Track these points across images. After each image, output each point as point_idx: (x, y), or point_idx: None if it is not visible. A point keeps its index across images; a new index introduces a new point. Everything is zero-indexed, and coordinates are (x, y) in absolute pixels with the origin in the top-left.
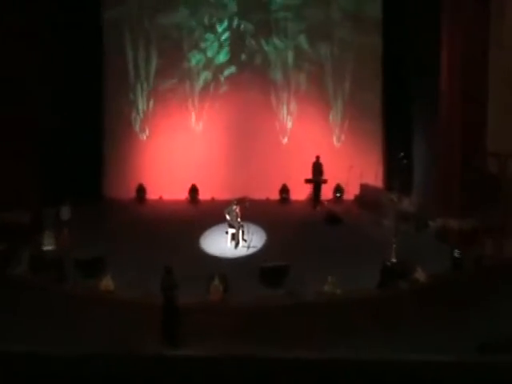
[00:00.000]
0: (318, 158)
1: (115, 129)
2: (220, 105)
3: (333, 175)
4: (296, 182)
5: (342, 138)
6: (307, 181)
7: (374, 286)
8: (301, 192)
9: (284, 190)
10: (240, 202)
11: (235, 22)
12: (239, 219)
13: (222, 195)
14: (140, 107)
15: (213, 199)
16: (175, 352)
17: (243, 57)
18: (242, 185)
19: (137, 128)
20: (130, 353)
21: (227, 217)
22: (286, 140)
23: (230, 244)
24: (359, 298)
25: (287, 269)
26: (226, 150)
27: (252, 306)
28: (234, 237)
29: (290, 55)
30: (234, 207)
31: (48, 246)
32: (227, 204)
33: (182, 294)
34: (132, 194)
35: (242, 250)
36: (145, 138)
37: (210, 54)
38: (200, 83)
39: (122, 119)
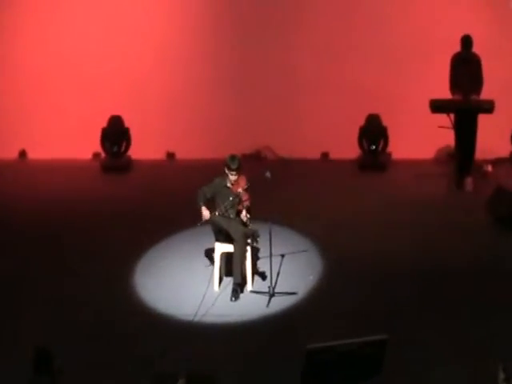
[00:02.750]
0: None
1: None
2: None
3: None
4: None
5: None
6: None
7: None
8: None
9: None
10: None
11: None
12: (246, 215)
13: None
14: None
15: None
16: None
17: None
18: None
19: None
20: None
21: (205, 214)
22: None
23: (216, 286)
24: None
25: (382, 352)
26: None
27: None
28: (231, 267)
29: None
30: (233, 178)
31: None
32: (209, 175)
33: None
34: None
35: (255, 304)
36: None
37: None
38: None
39: None
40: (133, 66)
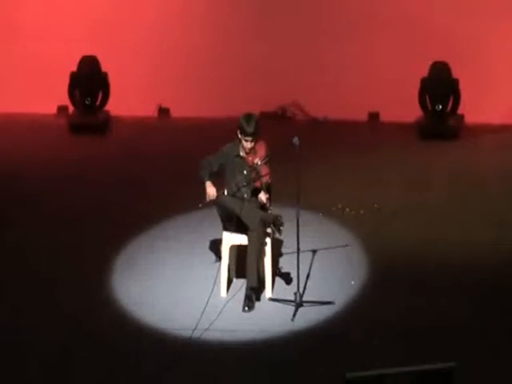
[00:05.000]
0: None
1: None
2: None
3: None
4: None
5: None
6: None
7: None
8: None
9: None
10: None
11: None
12: (265, 195)
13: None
14: None
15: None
16: None
17: None
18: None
19: None
20: None
21: (210, 192)
22: None
23: (223, 292)
24: None
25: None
26: None
27: None
28: (244, 265)
29: None
30: (248, 146)
31: None
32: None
33: None
34: None
35: (276, 316)
36: None
37: None
38: None
39: None
40: None
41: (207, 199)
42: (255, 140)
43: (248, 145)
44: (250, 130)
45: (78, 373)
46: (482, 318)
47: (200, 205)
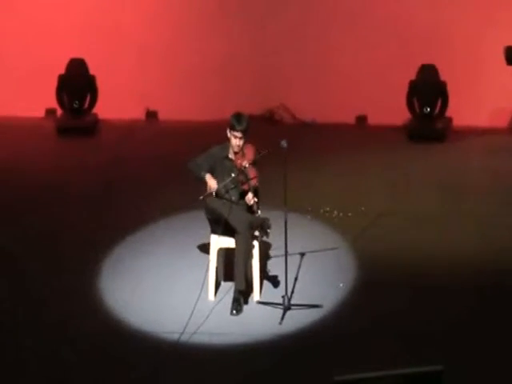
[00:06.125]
0: None
1: None
2: None
3: None
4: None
5: None
6: None
7: None
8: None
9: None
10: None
11: None
12: (253, 198)
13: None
14: None
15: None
16: None
17: None
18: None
19: None
20: None
21: (211, 184)
22: None
23: (211, 295)
24: None
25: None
26: None
27: None
28: (232, 268)
29: None
30: (237, 143)
31: None
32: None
33: None
34: None
35: (264, 320)
36: None
37: None
38: None
39: None
40: None
41: (208, 190)
42: (245, 137)
43: (238, 142)
44: (241, 126)
45: (63, 376)
46: (471, 321)
47: (201, 197)
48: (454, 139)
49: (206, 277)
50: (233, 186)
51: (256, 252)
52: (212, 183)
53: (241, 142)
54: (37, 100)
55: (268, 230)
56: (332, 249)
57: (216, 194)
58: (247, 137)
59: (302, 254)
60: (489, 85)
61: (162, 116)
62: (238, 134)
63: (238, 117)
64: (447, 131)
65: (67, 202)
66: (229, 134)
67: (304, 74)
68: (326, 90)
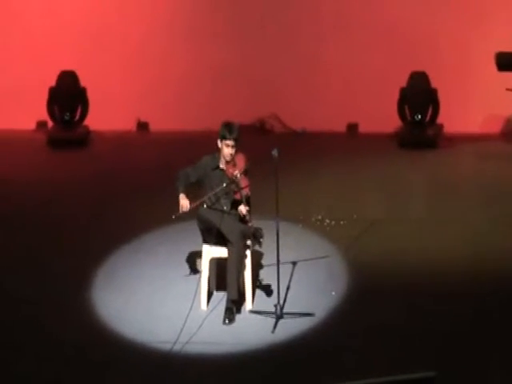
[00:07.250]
0: None
1: None
2: None
3: None
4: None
5: None
6: None
7: None
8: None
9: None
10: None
11: None
12: (245, 207)
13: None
14: None
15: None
16: None
17: None
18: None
19: None
20: None
21: (183, 204)
22: None
23: (203, 304)
24: None
25: None
26: None
27: None
28: (224, 278)
29: None
30: (229, 152)
31: None
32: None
33: None
34: None
35: (257, 329)
36: None
37: None
38: None
39: None
40: (90, 4)
41: (180, 211)
42: (236, 146)
43: (230, 150)
44: (233, 132)
45: None
46: (464, 328)
47: (173, 216)
48: (446, 146)
49: (199, 287)
50: (224, 195)
51: (248, 261)
52: (184, 203)
53: (233, 151)
54: (28, 112)
55: (261, 240)
56: (324, 257)
57: (206, 204)
58: (238, 146)
59: (294, 263)
60: (479, 91)
61: (153, 127)
62: (230, 143)
63: (228, 126)
64: (438, 138)
65: (59, 213)
66: (220, 144)
67: (294, 83)
68: (317, 98)
